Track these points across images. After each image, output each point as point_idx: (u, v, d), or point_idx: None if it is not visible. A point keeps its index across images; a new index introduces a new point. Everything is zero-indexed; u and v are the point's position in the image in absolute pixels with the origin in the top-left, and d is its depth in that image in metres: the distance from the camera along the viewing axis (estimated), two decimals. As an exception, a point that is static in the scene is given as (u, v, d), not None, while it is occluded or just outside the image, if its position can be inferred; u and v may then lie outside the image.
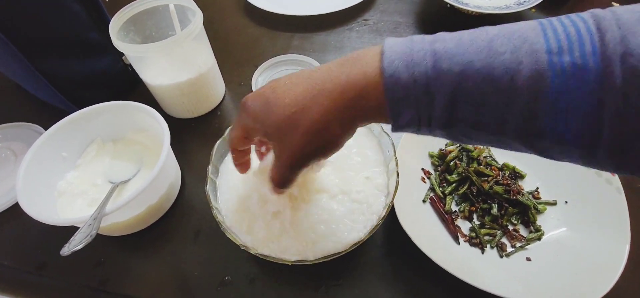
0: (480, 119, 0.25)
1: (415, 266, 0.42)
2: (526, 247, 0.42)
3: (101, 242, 0.47)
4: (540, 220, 0.44)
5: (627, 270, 0.36)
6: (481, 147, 0.50)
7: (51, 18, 0.51)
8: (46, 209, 0.44)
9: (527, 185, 0.48)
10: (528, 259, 0.41)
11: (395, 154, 0.42)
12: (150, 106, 0.48)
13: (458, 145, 0.51)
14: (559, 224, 0.43)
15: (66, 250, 0.35)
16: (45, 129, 0.48)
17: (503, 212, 0.45)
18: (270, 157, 0.39)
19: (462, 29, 0.26)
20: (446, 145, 0.52)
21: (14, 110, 0.63)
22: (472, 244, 0.43)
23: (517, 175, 0.49)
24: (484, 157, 0.50)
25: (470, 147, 0.50)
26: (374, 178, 0.43)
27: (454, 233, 0.43)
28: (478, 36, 0.24)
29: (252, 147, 0.39)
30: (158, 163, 0.42)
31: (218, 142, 0.44)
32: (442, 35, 0.26)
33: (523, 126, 0.24)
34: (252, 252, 0.37)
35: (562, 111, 0.22)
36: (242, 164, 0.38)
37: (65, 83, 0.56)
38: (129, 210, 0.43)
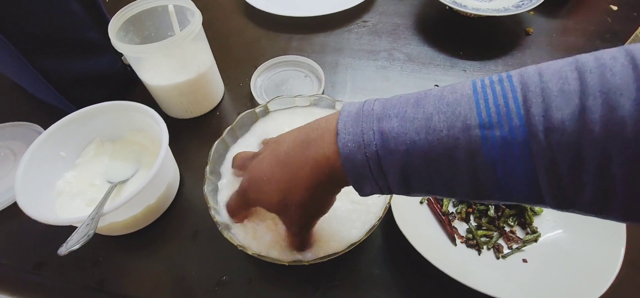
0: (433, 188, 0.26)
1: (412, 267, 0.42)
2: (523, 248, 0.43)
3: (99, 242, 0.47)
4: (537, 222, 0.45)
5: (622, 272, 0.36)
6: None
7: (50, 17, 0.51)
8: (44, 209, 0.44)
9: (524, 187, 0.48)
10: (524, 261, 0.42)
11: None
12: (149, 106, 0.48)
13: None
14: (555, 226, 0.44)
15: (63, 249, 0.35)
16: (44, 128, 0.48)
17: (500, 213, 0.45)
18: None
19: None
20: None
21: (13, 110, 0.63)
22: (468, 246, 0.43)
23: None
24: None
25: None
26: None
27: (451, 234, 0.44)
28: (417, 112, 0.25)
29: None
30: (156, 163, 0.42)
31: (216, 142, 0.45)
32: (389, 109, 0.27)
33: (472, 192, 0.25)
34: (249, 253, 0.37)
35: (501, 179, 0.23)
36: (241, 220, 0.41)
37: (64, 82, 0.56)
38: (127, 210, 0.44)
